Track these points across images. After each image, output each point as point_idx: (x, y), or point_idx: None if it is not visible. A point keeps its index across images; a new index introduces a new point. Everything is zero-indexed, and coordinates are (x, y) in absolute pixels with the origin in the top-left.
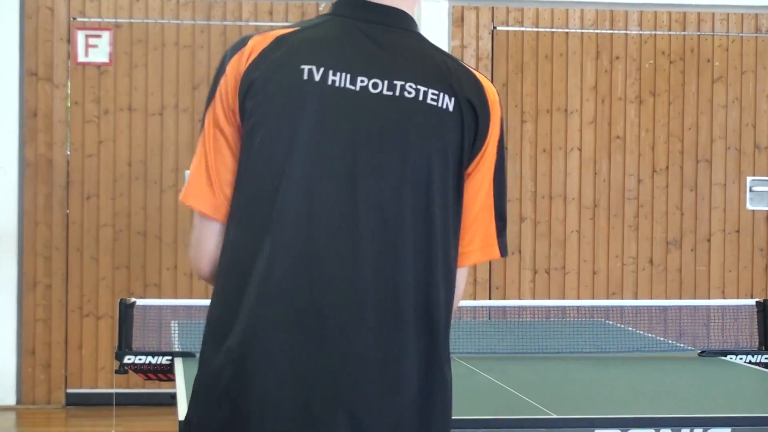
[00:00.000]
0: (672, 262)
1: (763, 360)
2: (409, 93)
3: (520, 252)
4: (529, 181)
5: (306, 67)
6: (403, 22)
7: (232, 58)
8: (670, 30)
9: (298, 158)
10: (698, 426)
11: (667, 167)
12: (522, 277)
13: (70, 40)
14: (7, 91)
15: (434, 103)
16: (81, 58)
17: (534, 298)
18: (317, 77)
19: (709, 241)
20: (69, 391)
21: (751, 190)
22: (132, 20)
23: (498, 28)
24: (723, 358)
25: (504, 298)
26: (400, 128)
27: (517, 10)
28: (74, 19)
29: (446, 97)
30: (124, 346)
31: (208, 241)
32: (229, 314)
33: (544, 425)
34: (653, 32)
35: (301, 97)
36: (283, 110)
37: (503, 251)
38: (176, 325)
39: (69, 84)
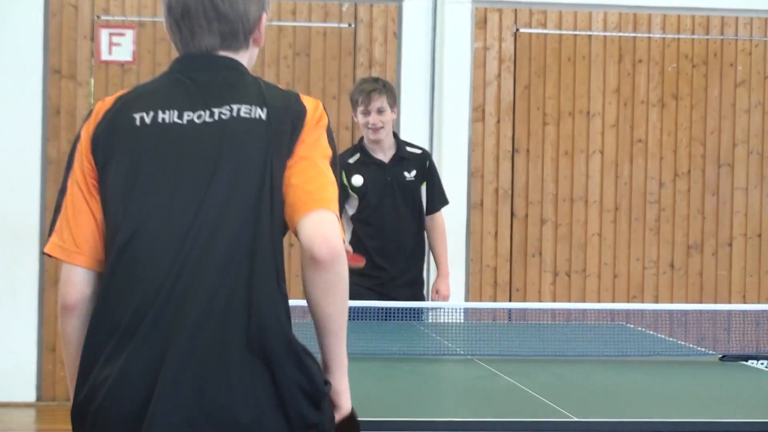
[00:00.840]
0: (693, 266)
1: None
2: (225, 114)
3: (540, 254)
4: (550, 183)
5: (137, 115)
6: (226, 63)
7: (83, 126)
8: (693, 33)
9: (138, 192)
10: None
11: (689, 171)
12: (542, 279)
13: (93, 38)
14: (30, 89)
15: (247, 116)
16: (104, 56)
17: (554, 301)
18: (148, 120)
19: (730, 245)
20: None
21: None
22: (156, 19)
23: (521, 30)
24: (744, 362)
25: (524, 301)
26: (221, 144)
27: (540, 12)
28: (98, 17)
29: (258, 109)
30: None
31: (65, 278)
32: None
33: (566, 428)
34: (676, 36)
35: (136, 139)
36: (122, 154)
37: (328, 203)
38: None
39: (92, 82)
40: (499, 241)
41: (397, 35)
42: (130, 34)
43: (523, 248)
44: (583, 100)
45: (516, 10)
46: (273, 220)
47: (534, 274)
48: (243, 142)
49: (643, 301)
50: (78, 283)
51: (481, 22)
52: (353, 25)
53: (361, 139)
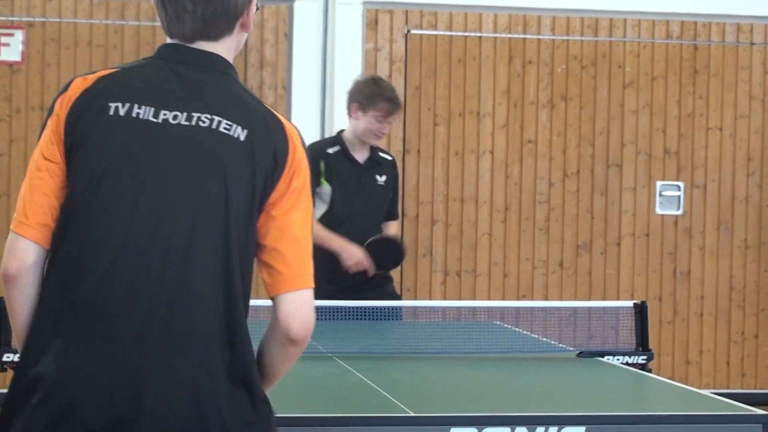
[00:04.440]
0: (582, 265)
1: (640, 361)
2: (203, 122)
3: (431, 254)
4: (441, 183)
5: (113, 104)
6: (216, 64)
7: (57, 99)
8: (582, 35)
9: (101, 187)
10: (553, 424)
11: (578, 171)
12: (433, 279)
13: None
14: None
15: (226, 132)
16: None
17: (445, 300)
18: (122, 112)
19: (618, 244)
20: None
21: (660, 195)
22: (45, 19)
23: (412, 31)
24: (600, 358)
25: (416, 300)
26: (193, 153)
27: (431, 13)
28: None
29: (239, 128)
30: (3, 343)
31: (10, 248)
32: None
33: (401, 423)
34: (566, 37)
35: (107, 130)
36: (91, 142)
37: (310, 281)
38: None
39: None
40: None
41: (288, 36)
42: (19, 34)
43: (414, 248)
44: (473, 101)
45: (407, 11)
46: (245, 252)
47: (425, 274)
48: (222, 160)
49: (532, 300)
50: (21, 250)
51: (372, 23)
52: None
53: (341, 131)
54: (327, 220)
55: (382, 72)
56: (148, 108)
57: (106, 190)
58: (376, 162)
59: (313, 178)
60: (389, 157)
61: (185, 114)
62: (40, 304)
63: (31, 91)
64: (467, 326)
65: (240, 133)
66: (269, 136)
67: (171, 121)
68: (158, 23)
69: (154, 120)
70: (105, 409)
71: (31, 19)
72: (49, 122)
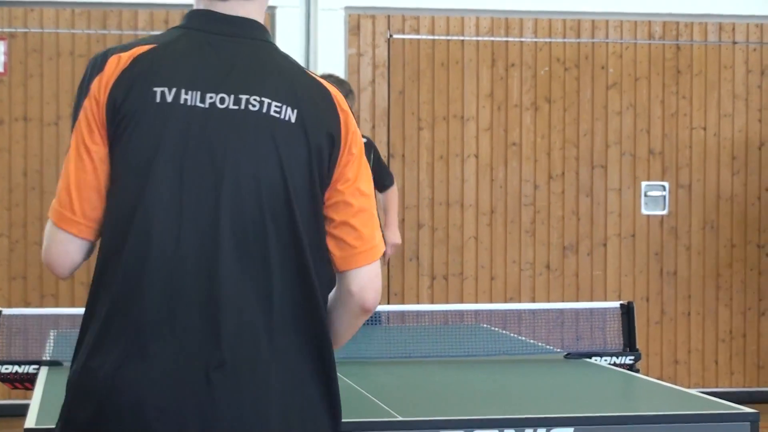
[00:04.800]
0: (568, 267)
1: (627, 361)
2: (253, 106)
3: (417, 258)
4: (426, 187)
5: (159, 90)
6: (254, 32)
7: (94, 79)
8: (564, 37)
9: (155, 184)
10: (541, 426)
11: (563, 173)
12: (420, 283)
13: None
14: None
15: (277, 115)
16: None
17: (432, 304)
18: (169, 98)
19: (605, 245)
20: None
21: (645, 195)
22: (27, 30)
23: (394, 36)
24: (588, 359)
25: (403, 305)
26: (246, 141)
27: (413, 18)
28: None
29: (288, 109)
30: None
31: (58, 246)
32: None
33: (389, 427)
34: (548, 39)
35: (155, 119)
36: (138, 132)
37: (381, 250)
38: (54, 333)
39: None
40: None
41: None
42: (0, 45)
43: (401, 252)
44: (457, 105)
45: (389, 16)
46: (315, 239)
47: (411, 278)
48: (277, 145)
49: (520, 303)
50: (72, 252)
51: (354, 29)
52: None
53: None
54: None
55: (365, 77)
56: (194, 93)
57: (160, 186)
58: None
59: None
60: (363, 140)
61: (232, 97)
62: (99, 317)
63: (14, 102)
64: (455, 330)
65: (290, 114)
66: (320, 113)
67: (219, 105)
68: (141, 32)
69: (202, 105)
70: (179, 423)
71: (12, 29)
72: (86, 104)
